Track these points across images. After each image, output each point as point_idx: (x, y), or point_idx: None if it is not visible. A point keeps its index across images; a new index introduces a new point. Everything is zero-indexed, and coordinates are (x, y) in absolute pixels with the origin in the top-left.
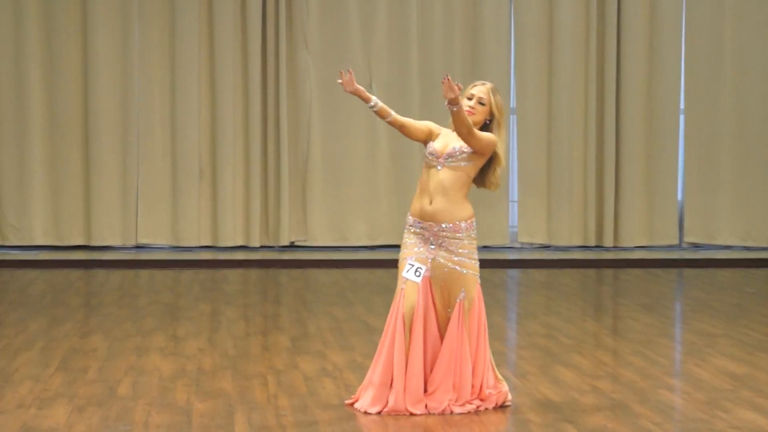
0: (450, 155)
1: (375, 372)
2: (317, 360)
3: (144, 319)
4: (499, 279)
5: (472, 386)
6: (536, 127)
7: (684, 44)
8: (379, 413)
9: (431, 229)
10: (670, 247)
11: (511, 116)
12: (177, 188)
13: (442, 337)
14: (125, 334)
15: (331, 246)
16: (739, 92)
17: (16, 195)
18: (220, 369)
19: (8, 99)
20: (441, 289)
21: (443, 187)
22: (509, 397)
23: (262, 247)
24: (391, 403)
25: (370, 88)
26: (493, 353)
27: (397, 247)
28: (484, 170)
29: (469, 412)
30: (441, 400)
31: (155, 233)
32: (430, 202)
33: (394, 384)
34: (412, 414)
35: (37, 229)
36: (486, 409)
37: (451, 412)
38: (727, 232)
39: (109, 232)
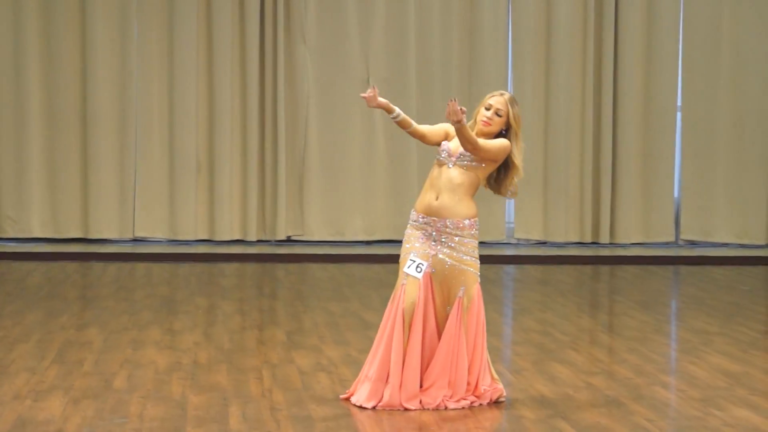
0: (462, 155)
1: (371, 367)
2: (312, 354)
3: (140, 312)
4: (495, 275)
5: (468, 383)
6: (533, 124)
7: (681, 43)
8: (373, 408)
9: (435, 225)
10: (666, 244)
11: None
12: (174, 182)
13: (440, 333)
14: (121, 327)
15: (328, 241)
16: (736, 90)
17: (15, 188)
18: (216, 362)
19: (7, 94)
20: (441, 285)
21: (452, 184)
22: (504, 393)
23: (258, 241)
24: (386, 398)
25: (367, 84)
26: (489, 349)
27: (393, 242)
28: (501, 177)
29: (463, 408)
30: (436, 396)
31: (152, 227)
32: (437, 198)
33: (390, 379)
34: (406, 409)
35: (35, 221)
36: (480, 404)
37: (446, 408)
38: (723, 229)
39: (107, 226)
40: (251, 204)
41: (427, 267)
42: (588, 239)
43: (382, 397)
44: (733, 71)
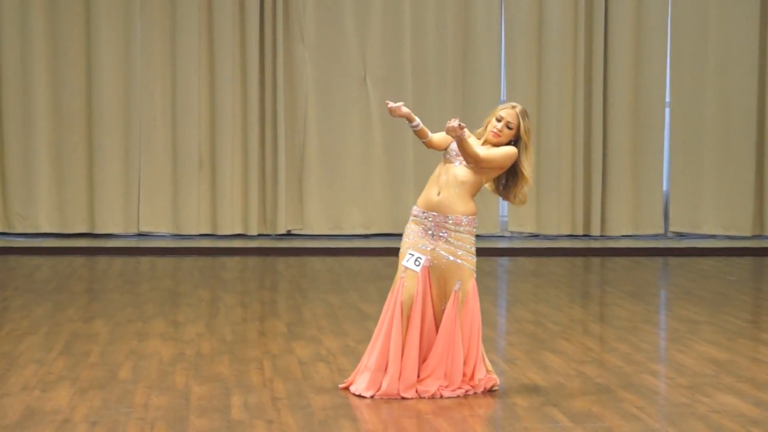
0: None
1: (371, 357)
2: (312, 345)
3: (145, 304)
4: (489, 267)
5: (464, 374)
6: None
7: (669, 40)
8: (372, 397)
9: (434, 219)
10: (655, 236)
11: None
12: (177, 178)
13: (437, 326)
14: (126, 320)
15: (327, 234)
16: (723, 86)
17: (23, 185)
18: (218, 353)
19: (14, 92)
20: (438, 279)
21: (456, 181)
22: (497, 382)
23: (259, 235)
24: (384, 387)
25: (364, 82)
26: (483, 339)
27: (390, 235)
28: (509, 184)
29: (458, 397)
30: (432, 386)
31: (156, 222)
32: (438, 194)
33: (389, 369)
34: (403, 398)
35: (43, 217)
36: (475, 393)
37: (441, 396)
38: (711, 221)
39: (112, 221)
40: (252, 199)
41: (425, 261)
42: (579, 232)
43: (381, 386)
44: (721, 68)
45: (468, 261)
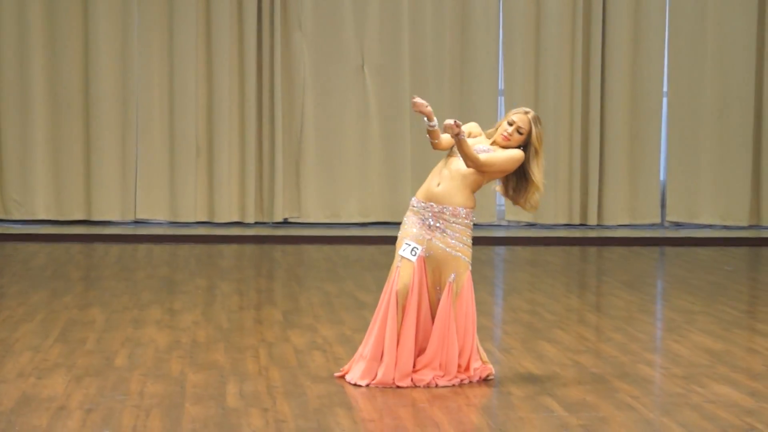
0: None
1: (366, 346)
2: (308, 333)
3: (141, 292)
4: (486, 256)
5: (459, 365)
6: None
7: (667, 30)
8: (367, 386)
9: (432, 210)
10: (652, 226)
11: (498, 98)
12: (175, 166)
13: (433, 316)
14: (123, 307)
15: (324, 223)
16: (721, 76)
17: (20, 171)
18: (214, 341)
19: (12, 79)
20: (434, 270)
21: (458, 174)
22: (492, 372)
23: (256, 223)
24: (379, 376)
25: (361, 70)
26: (478, 328)
27: (387, 224)
28: (519, 189)
29: (453, 386)
30: (427, 376)
31: (153, 209)
32: (438, 185)
33: (384, 358)
34: (398, 387)
35: (40, 204)
36: (470, 382)
37: (436, 385)
38: (707, 211)
39: (109, 208)
40: (249, 187)
41: (421, 251)
42: (576, 221)
43: (376, 375)
44: (718, 58)
45: (464, 253)
